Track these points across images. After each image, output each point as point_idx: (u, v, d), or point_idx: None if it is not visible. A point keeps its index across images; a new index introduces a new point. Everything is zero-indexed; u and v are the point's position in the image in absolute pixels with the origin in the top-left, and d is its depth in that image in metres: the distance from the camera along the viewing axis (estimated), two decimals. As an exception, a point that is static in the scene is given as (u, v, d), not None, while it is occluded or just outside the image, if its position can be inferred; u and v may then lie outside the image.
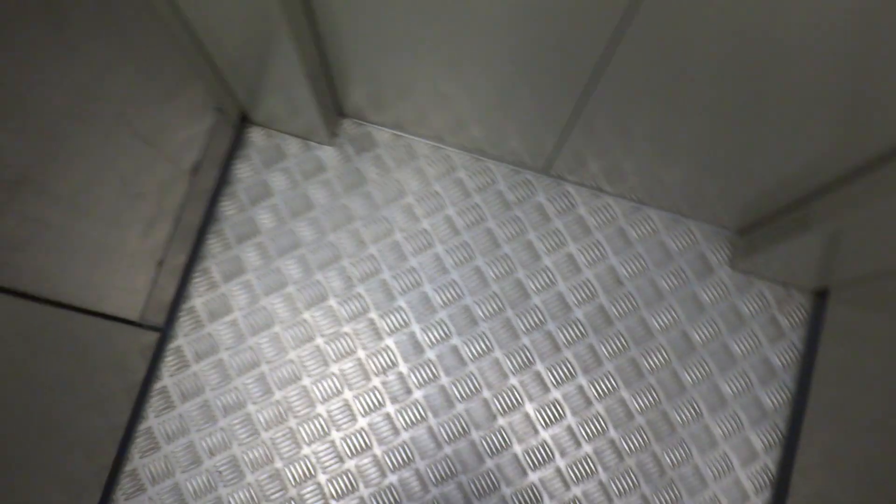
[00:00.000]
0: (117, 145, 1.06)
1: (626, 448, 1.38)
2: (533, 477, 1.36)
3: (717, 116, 1.08)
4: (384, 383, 1.39)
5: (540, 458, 1.37)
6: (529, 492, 1.36)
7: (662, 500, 1.37)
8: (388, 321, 1.42)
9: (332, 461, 1.35)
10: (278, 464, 1.35)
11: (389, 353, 1.40)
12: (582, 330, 1.43)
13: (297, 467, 1.35)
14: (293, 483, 1.34)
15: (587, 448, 1.38)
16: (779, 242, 1.31)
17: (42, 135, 0.89)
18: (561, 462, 1.37)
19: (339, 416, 1.37)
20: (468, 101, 1.28)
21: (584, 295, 1.44)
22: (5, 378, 0.96)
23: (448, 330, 1.42)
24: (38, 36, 0.82)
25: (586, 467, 1.37)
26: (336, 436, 1.37)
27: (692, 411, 1.40)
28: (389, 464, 1.36)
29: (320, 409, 1.38)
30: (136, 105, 1.06)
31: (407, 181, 1.48)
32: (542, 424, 1.39)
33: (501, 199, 1.48)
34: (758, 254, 1.39)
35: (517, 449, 1.37)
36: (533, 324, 1.43)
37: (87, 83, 0.94)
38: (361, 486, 1.35)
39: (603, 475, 1.37)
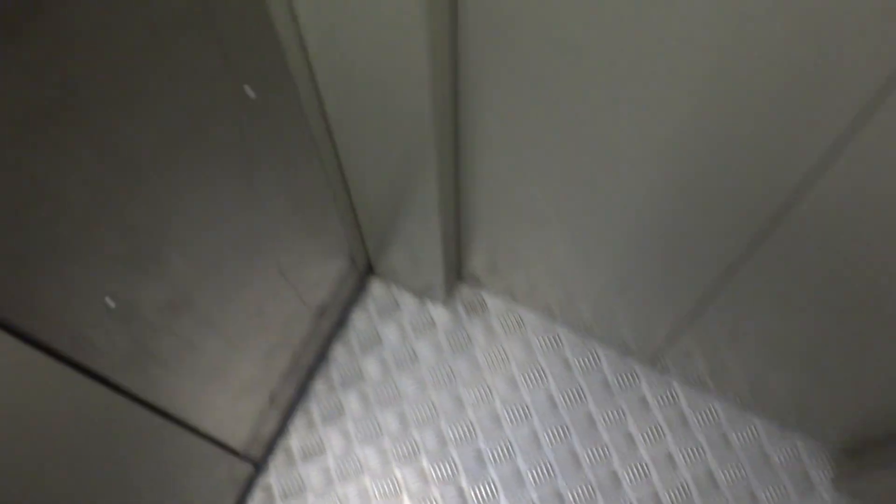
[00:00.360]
0: (263, 277, 1.13)
1: None
2: None
3: (838, 331, 1.09)
4: (464, 556, 1.35)
5: None
6: None
7: None
8: (477, 491, 1.39)
9: None
10: None
11: (474, 524, 1.37)
12: (674, 533, 1.37)
13: None
14: None
15: None
16: (888, 470, 1.26)
17: (211, 264, 0.96)
18: None
19: (414, 584, 1.33)
20: (585, 283, 1.32)
21: (679, 496, 1.40)
22: (104, 477, 0.97)
23: (536, 510, 1.38)
24: (231, 179, 0.91)
25: None
26: None
27: None
28: None
29: (396, 572, 1.34)
30: (284, 240, 1.14)
31: (513, 351, 1.50)
32: None
33: (605, 383, 1.48)
34: (864, 478, 1.33)
35: None
36: (624, 518, 1.38)
37: (256, 217, 1.02)
38: None
39: None
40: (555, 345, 1.51)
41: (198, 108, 0.77)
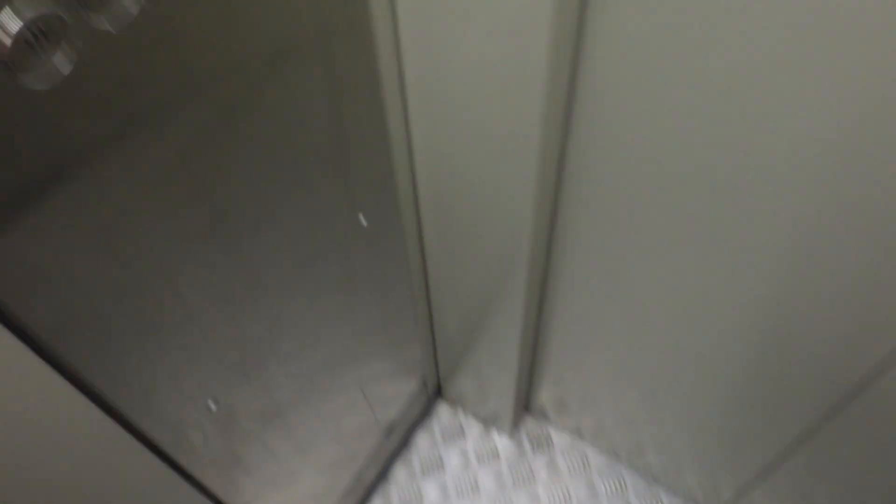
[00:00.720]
0: (345, 392, 1.17)
1: None
2: None
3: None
4: None
5: None
6: None
7: None
8: None
9: None
10: None
11: None
12: None
13: None
14: None
15: None
16: None
17: (304, 376, 1.01)
18: None
19: None
20: (656, 431, 1.32)
21: None
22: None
23: None
24: (334, 299, 0.97)
25: None
26: None
27: None
28: None
29: None
30: (368, 357, 1.18)
31: (576, 491, 1.48)
32: None
33: (668, 534, 1.44)
34: None
35: None
36: None
37: (348, 334, 1.07)
38: None
39: None
40: (619, 488, 1.48)
41: (318, 234, 0.84)
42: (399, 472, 1.51)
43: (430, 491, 1.49)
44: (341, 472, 1.31)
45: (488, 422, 1.55)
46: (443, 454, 1.53)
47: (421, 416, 1.56)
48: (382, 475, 1.50)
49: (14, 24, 0.41)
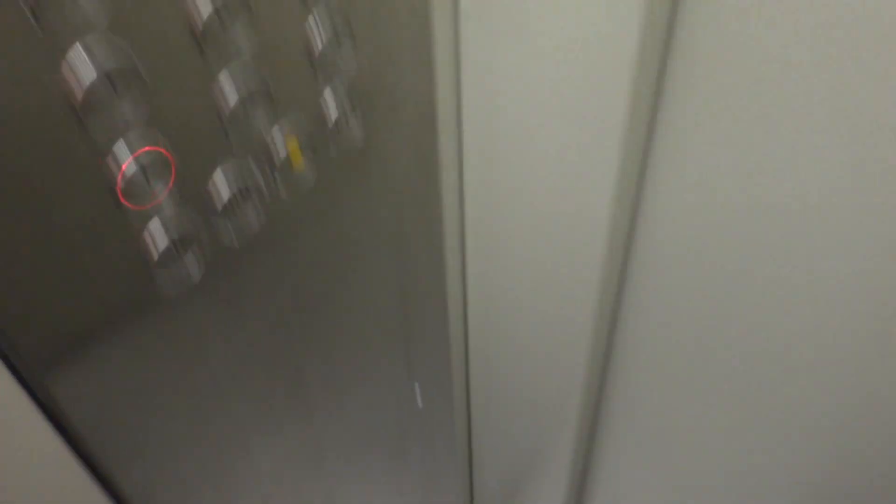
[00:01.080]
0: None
1: None
2: None
3: None
4: None
5: None
6: None
7: None
8: None
9: None
10: None
11: None
12: None
13: None
14: None
15: None
16: None
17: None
18: None
19: None
20: None
21: None
22: None
23: None
24: (385, 468, 1.01)
25: None
26: None
27: None
28: None
29: None
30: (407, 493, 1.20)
31: None
32: None
33: None
34: None
35: None
36: None
37: (394, 499, 1.10)
38: None
39: None
40: None
41: (379, 404, 0.90)
42: None
43: None
44: None
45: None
46: None
47: (454, 579, 1.53)
48: None
49: (163, 242, 0.50)
